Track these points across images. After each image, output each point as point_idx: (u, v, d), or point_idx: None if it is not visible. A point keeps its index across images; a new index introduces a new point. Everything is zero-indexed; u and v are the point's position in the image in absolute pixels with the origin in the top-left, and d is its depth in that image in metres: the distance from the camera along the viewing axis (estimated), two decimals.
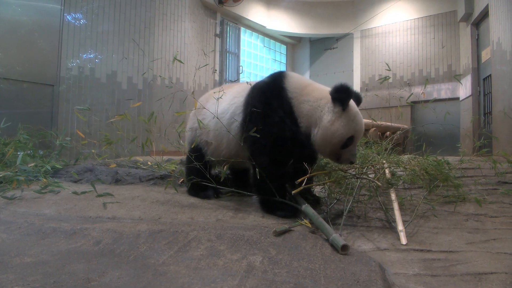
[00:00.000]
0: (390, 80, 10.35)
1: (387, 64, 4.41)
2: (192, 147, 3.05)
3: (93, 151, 4.85)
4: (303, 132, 2.54)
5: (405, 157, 3.33)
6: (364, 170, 2.89)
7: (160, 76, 6.08)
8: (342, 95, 2.42)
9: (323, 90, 2.59)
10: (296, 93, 2.59)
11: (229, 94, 2.96)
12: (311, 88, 2.63)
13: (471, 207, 2.76)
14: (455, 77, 9.33)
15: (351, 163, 2.54)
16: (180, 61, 3.55)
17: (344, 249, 1.80)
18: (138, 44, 7.27)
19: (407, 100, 3.38)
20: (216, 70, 9.54)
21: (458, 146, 5.19)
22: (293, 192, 2.39)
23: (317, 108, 2.51)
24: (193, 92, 3.33)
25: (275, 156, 2.54)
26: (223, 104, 2.90)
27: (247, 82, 2.91)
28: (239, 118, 2.73)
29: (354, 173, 2.86)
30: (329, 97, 2.48)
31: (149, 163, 4.44)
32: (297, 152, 2.53)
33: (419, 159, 3.22)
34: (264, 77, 2.89)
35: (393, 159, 3.06)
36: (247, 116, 2.65)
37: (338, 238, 1.87)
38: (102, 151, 4.95)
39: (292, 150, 2.53)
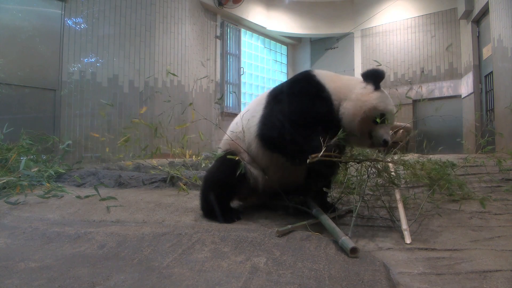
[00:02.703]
0: (392, 79, 10.34)
1: (377, 61, 4.34)
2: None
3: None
4: (335, 107, 2.44)
5: (408, 157, 3.30)
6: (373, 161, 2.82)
7: (173, 74, 5.99)
8: (374, 74, 2.45)
9: (353, 77, 2.60)
10: (325, 77, 2.55)
11: (254, 102, 2.85)
12: (340, 76, 2.62)
13: (475, 205, 2.75)
14: (447, 49, 9.34)
15: (385, 142, 2.34)
16: (174, 74, 3.55)
17: (354, 251, 1.79)
18: (139, 47, 7.28)
19: (406, 94, 3.31)
20: (212, 80, 9.54)
21: (461, 142, 5.17)
22: (309, 159, 2.14)
23: (349, 85, 2.47)
24: (190, 104, 3.23)
25: (302, 131, 2.36)
26: (248, 113, 2.73)
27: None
28: (259, 114, 2.61)
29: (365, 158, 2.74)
30: (361, 79, 2.49)
31: (160, 167, 4.41)
32: (326, 128, 2.36)
33: (422, 162, 3.17)
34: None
35: (397, 160, 3.03)
36: (267, 106, 2.57)
37: (348, 240, 1.85)
38: (109, 152, 4.95)
39: (322, 124, 2.38)
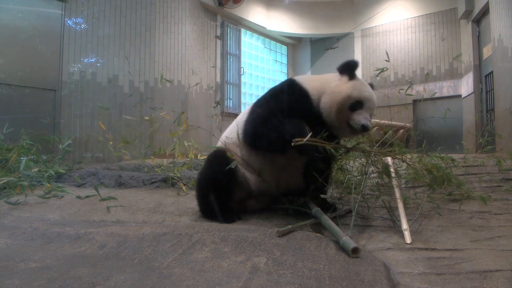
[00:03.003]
0: (392, 79, 10.34)
1: (387, 54, 4.33)
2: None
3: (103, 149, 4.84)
4: (314, 103, 2.51)
5: (408, 156, 3.29)
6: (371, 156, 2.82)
7: (167, 80, 6.06)
8: (348, 65, 2.55)
9: (331, 74, 2.66)
10: (304, 78, 2.66)
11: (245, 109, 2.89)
12: (320, 75, 2.72)
13: (475, 205, 2.75)
14: (456, 59, 9.31)
15: (364, 128, 2.37)
16: (168, 80, 3.55)
17: (355, 251, 1.78)
18: (139, 47, 7.29)
19: (406, 91, 3.31)
20: (213, 66, 9.53)
21: (462, 143, 5.17)
22: (293, 142, 2.18)
23: (326, 81, 2.56)
24: (183, 112, 3.23)
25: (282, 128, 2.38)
26: (238, 118, 2.80)
27: None
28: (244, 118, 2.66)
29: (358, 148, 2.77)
30: (338, 74, 2.58)
31: (159, 167, 4.41)
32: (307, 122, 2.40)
33: (423, 159, 3.17)
34: None
35: (389, 153, 3.01)
36: (251, 111, 2.64)
37: (349, 240, 1.85)
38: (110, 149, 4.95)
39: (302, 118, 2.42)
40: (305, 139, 2.17)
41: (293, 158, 2.51)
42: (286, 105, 2.49)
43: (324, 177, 2.58)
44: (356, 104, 2.42)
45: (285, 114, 2.43)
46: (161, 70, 7.56)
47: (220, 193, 2.54)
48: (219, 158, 2.52)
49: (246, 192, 2.63)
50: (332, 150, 2.34)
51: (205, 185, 2.62)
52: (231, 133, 2.74)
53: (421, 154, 3.24)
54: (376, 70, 3.25)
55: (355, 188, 2.73)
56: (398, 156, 2.88)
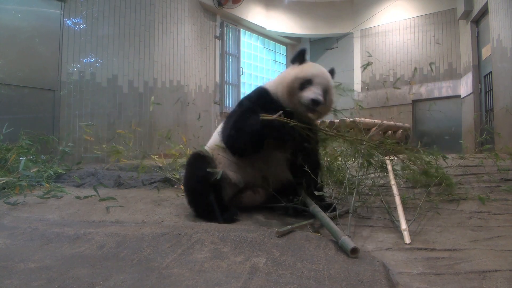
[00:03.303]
0: (391, 79, 10.35)
1: (369, 54, 4.44)
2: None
3: (98, 151, 4.83)
4: (273, 97, 2.63)
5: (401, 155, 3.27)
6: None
7: (157, 103, 6.06)
8: (296, 54, 2.74)
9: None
10: (268, 81, 2.85)
11: None
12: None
13: (474, 205, 2.75)
14: (430, 65, 9.45)
15: (314, 101, 2.43)
16: (158, 103, 3.61)
17: (354, 252, 1.77)
18: (139, 47, 7.29)
19: (394, 83, 3.39)
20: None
21: (460, 142, 5.17)
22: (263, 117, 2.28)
23: (282, 76, 2.73)
24: (169, 130, 3.30)
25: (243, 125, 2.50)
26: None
27: None
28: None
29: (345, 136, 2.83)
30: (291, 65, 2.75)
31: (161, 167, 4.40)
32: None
33: (416, 157, 3.14)
34: None
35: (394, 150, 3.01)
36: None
37: (348, 240, 1.84)
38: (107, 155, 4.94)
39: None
40: (273, 116, 2.27)
41: (273, 149, 2.59)
42: (251, 106, 2.59)
43: (313, 170, 2.59)
44: (305, 82, 2.51)
45: (250, 114, 2.49)
46: (160, 71, 7.55)
47: (205, 193, 2.51)
48: (197, 159, 2.61)
49: (233, 188, 2.65)
50: (310, 134, 2.43)
51: (189, 188, 2.65)
52: (214, 141, 2.82)
53: (413, 149, 3.19)
54: (362, 66, 3.32)
55: (352, 187, 2.73)
56: (388, 150, 2.89)
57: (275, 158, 2.65)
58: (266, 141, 2.43)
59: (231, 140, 2.57)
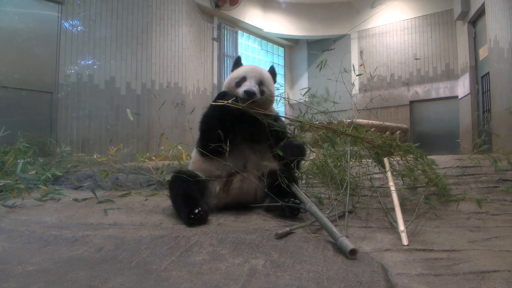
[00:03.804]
0: (388, 80, 10.36)
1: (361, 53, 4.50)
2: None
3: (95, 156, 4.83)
4: None
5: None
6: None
7: (135, 114, 6.08)
8: (234, 61, 3.09)
9: None
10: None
11: None
12: None
13: (472, 206, 2.76)
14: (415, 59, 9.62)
15: (246, 92, 2.64)
16: (137, 114, 3.74)
17: (353, 253, 1.77)
18: (136, 49, 7.28)
19: (388, 79, 3.45)
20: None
21: (457, 141, 5.18)
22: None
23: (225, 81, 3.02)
24: (162, 134, 3.39)
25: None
26: None
27: None
28: None
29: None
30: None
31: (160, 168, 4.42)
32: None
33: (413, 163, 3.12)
34: None
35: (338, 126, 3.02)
36: None
37: (346, 241, 1.83)
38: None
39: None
40: (225, 102, 2.53)
41: (243, 142, 2.78)
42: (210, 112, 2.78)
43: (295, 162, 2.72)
44: (240, 80, 2.81)
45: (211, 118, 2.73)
46: (158, 73, 7.55)
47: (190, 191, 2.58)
48: (178, 179, 2.66)
49: (215, 187, 2.71)
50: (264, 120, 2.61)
51: (174, 205, 2.68)
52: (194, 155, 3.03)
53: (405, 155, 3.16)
54: (357, 75, 3.36)
55: (350, 187, 2.74)
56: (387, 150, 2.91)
57: (249, 150, 2.81)
58: (230, 132, 2.62)
59: (200, 141, 2.82)
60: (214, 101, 2.71)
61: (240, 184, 2.70)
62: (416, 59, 9.76)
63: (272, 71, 3.08)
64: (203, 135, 2.78)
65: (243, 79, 2.80)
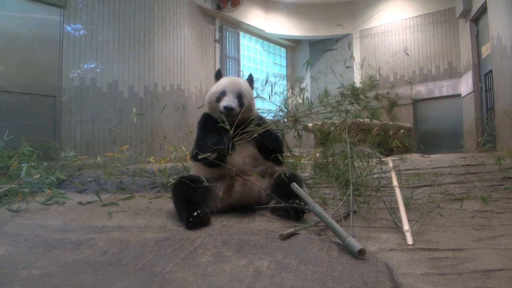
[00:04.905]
0: (391, 79, 10.34)
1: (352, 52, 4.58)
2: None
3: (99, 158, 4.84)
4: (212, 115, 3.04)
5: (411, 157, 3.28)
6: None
7: (140, 114, 6.08)
8: (215, 74, 3.21)
9: None
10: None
11: None
12: None
13: (476, 204, 2.75)
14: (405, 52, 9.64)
15: (225, 108, 2.79)
16: (141, 114, 3.82)
17: (361, 253, 1.75)
18: (139, 52, 7.30)
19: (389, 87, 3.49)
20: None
21: (461, 142, 5.17)
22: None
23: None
24: (164, 137, 3.69)
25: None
26: None
27: None
28: None
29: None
30: None
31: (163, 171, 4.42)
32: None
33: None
34: None
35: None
36: None
37: (354, 241, 1.82)
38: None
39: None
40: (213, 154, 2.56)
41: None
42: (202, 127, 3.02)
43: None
44: (220, 95, 2.91)
45: (203, 132, 2.93)
46: (160, 75, 7.56)
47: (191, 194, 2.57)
48: (180, 183, 2.69)
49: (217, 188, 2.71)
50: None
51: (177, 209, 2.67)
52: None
53: (423, 155, 3.22)
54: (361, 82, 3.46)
55: (354, 187, 2.73)
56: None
57: (242, 150, 2.82)
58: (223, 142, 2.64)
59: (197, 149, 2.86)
60: (200, 122, 3.03)
61: (243, 186, 2.69)
62: (406, 53, 9.79)
63: (250, 79, 3.24)
64: (200, 150, 2.76)
65: (222, 94, 2.91)
